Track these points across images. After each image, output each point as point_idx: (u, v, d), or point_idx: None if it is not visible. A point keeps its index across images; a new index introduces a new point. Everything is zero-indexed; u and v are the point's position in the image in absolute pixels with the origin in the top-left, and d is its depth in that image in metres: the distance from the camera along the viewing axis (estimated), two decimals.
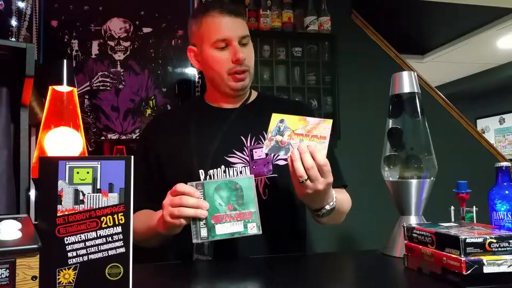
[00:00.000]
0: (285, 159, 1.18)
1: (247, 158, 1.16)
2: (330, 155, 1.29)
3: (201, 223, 0.93)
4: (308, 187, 0.94)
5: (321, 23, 2.33)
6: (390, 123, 1.07)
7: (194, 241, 0.94)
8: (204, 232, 0.94)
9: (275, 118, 0.98)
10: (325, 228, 1.35)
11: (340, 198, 1.11)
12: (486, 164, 2.01)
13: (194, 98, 2.05)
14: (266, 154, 1.15)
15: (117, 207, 0.69)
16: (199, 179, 1.11)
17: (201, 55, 1.21)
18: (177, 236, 1.17)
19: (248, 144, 1.17)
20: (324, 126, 0.96)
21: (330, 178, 0.95)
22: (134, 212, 0.74)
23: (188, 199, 0.93)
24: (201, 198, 0.94)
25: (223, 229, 0.94)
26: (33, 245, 0.60)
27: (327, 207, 1.02)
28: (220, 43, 1.16)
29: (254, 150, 1.17)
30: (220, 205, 0.94)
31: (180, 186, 0.95)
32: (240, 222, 0.94)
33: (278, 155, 1.15)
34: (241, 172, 1.12)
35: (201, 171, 1.10)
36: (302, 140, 0.96)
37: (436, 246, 0.79)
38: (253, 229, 0.94)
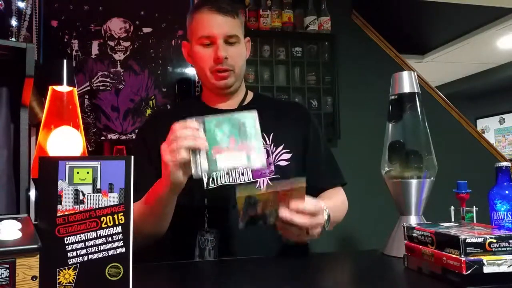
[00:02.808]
0: (287, 160, 1.18)
1: None
2: (326, 152, 1.30)
3: (202, 156, 0.87)
4: (310, 235, 0.97)
5: (321, 23, 2.33)
6: (390, 124, 1.07)
7: (194, 174, 0.87)
8: (205, 165, 0.87)
9: (241, 199, 0.88)
10: None
11: (332, 206, 1.06)
12: (486, 164, 2.01)
13: (191, 97, 2.04)
14: (267, 153, 1.15)
15: (117, 207, 0.69)
16: (202, 182, 1.10)
17: (191, 51, 1.23)
18: (178, 237, 1.17)
19: None
20: (298, 189, 0.88)
21: (322, 217, 0.97)
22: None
23: (183, 131, 0.89)
24: (200, 130, 0.88)
25: (225, 162, 0.87)
26: (33, 245, 0.60)
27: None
28: (204, 40, 1.17)
29: None
30: (222, 139, 0.88)
31: (175, 125, 0.91)
32: (243, 154, 0.87)
33: (280, 156, 1.15)
34: (242, 174, 1.12)
35: (204, 173, 1.10)
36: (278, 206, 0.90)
37: (436, 246, 0.79)
38: (257, 162, 0.87)
